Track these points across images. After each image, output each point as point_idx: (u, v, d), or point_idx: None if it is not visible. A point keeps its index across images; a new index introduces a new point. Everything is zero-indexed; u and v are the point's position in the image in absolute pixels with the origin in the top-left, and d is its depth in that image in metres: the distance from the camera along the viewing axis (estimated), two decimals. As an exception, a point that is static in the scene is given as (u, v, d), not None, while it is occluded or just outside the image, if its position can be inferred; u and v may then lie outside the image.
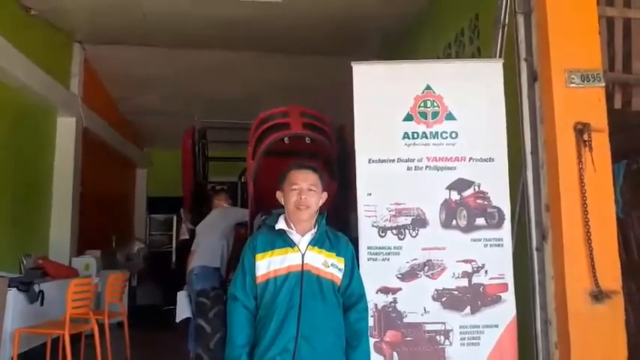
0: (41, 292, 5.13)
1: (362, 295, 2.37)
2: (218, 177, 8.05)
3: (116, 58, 7.92)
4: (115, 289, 5.61)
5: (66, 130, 7.36)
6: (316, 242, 2.24)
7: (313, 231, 2.26)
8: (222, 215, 5.22)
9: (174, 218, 11.10)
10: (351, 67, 3.26)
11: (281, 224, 2.24)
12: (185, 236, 6.83)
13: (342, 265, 2.27)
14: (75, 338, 4.84)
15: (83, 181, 7.57)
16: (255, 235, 2.33)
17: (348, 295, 2.30)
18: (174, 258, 10.95)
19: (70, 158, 7.30)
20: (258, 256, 2.19)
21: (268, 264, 2.17)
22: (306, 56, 7.56)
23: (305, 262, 2.18)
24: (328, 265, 2.23)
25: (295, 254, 2.19)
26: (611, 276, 2.84)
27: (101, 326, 5.08)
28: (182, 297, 4.77)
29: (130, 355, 5.61)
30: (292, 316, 2.10)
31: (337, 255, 2.26)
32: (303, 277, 2.16)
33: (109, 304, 5.44)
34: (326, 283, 2.20)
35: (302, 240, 2.23)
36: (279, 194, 2.31)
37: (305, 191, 2.23)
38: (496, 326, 2.96)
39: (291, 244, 2.21)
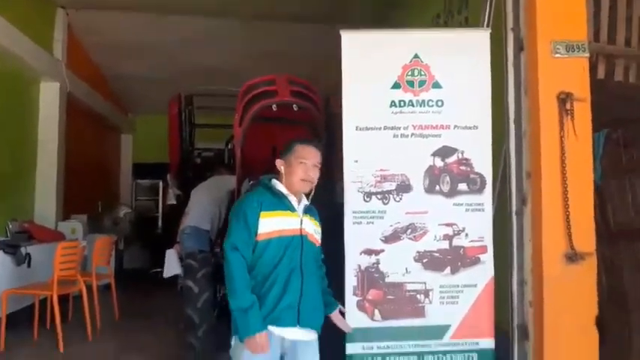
0: (28, 254, 5.16)
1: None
2: (205, 143, 8.05)
3: (100, 23, 7.78)
4: (102, 253, 5.65)
5: (50, 95, 7.27)
6: (307, 211, 2.40)
7: (305, 202, 2.42)
8: (218, 182, 5.27)
9: (161, 184, 11.09)
10: (339, 36, 3.28)
11: (283, 189, 2.36)
12: (172, 201, 6.86)
13: (320, 232, 2.47)
14: (62, 300, 4.91)
15: (68, 146, 7.51)
16: (256, 193, 2.37)
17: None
18: (160, 223, 10.99)
19: (55, 123, 7.24)
20: (264, 214, 2.27)
21: (272, 223, 2.27)
22: (294, 24, 7.49)
23: (303, 227, 2.34)
24: (316, 232, 2.42)
25: (296, 219, 2.33)
26: (586, 238, 2.96)
27: (89, 288, 5.15)
28: (171, 255, 4.85)
29: (118, 316, 5.70)
30: (296, 277, 2.25)
31: (319, 223, 2.46)
32: (303, 240, 2.31)
33: (96, 267, 5.48)
34: (316, 248, 2.40)
35: (299, 207, 2.37)
36: (280, 162, 2.40)
37: (311, 168, 2.37)
38: (474, 286, 3.10)
39: (292, 208, 2.34)
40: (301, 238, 2.30)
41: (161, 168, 9.31)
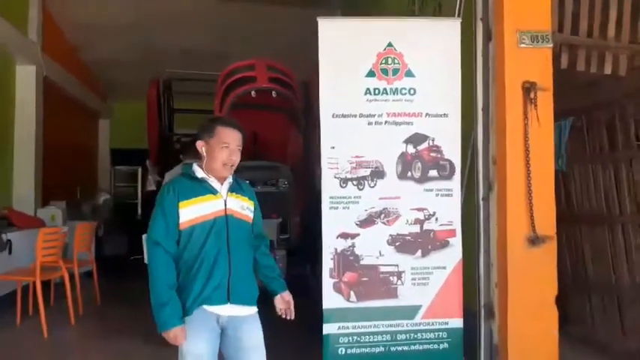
0: (9, 241, 5.18)
1: (263, 233, 2.62)
2: (184, 129, 8.06)
3: (76, 3, 7.67)
4: (83, 239, 5.67)
5: (25, 79, 7.17)
6: (233, 189, 2.41)
7: (230, 180, 2.42)
8: None
9: (139, 170, 11.06)
10: (316, 21, 3.34)
11: (201, 173, 2.37)
12: (152, 187, 6.89)
13: (252, 208, 2.48)
14: (44, 286, 4.94)
15: (45, 131, 7.45)
16: (173, 182, 2.38)
17: (257, 233, 2.53)
18: (139, 209, 10.99)
19: (31, 108, 7.16)
20: (182, 203, 2.28)
21: (193, 211, 2.29)
22: (272, 6, 7.50)
23: (227, 207, 2.35)
24: (244, 208, 2.43)
25: (218, 200, 2.34)
26: (547, 223, 3.13)
27: (70, 275, 5.19)
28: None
29: (99, 301, 5.77)
30: (223, 257, 2.28)
31: (249, 199, 2.47)
32: (227, 220, 2.33)
33: (77, 253, 5.52)
34: (245, 224, 2.42)
35: (222, 188, 2.38)
36: (200, 144, 2.36)
37: (234, 151, 2.35)
38: (444, 268, 3.27)
39: (213, 191, 2.35)
40: (226, 219, 2.31)
41: (140, 154, 9.27)
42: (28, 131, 7.12)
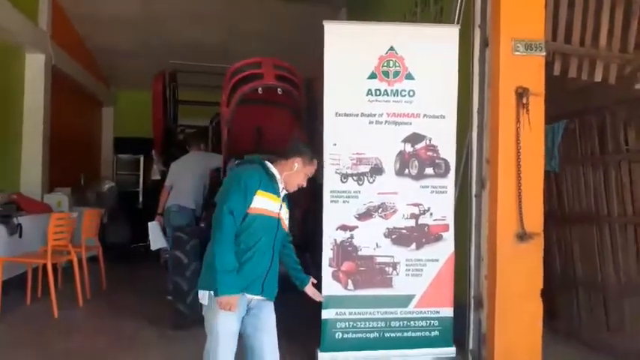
0: (19, 225, 5.35)
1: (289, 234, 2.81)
2: (188, 120, 8.21)
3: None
4: (91, 225, 5.86)
5: (35, 68, 7.29)
6: (284, 198, 2.65)
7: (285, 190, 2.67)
8: (199, 159, 5.49)
9: (142, 159, 11.20)
10: (321, 20, 3.53)
11: (278, 175, 2.61)
12: (156, 177, 7.05)
13: (288, 218, 2.73)
14: (52, 270, 5.12)
15: (52, 119, 7.59)
16: (256, 170, 2.56)
17: (285, 234, 2.75)
18: (141, 198, 11.15)
19: (40, 95, 7.29)
20: (260, 192, 2.49)
21: (263, 202, 2.51)
22: (279, 2, 7.62)
23: (280, 212, 2.60)
24: (287, 218, 2.68)
25: (278, 203, 2.58)
26: (535, 220, 3.34)
27: (78, 259, 5.37)
28: (154, 227, 5.08)
29: (105, 285, 5.97)
30: (268, 253, 2.53)
31: (289, 210, 2.72)
32: (278, 224, 2.57)
33: (85, 239, 5.70)
34: (284, 231, 2.65)
35: (281, 194, 2.62)
36: (298, 161, 2.59)
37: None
38: (437, 260, 3.49)
39: (278, 193, 2.59)
40: (278, 222, 2.57)
41: (142, 143, 9.40)
42: (36, 118, 7.25)
